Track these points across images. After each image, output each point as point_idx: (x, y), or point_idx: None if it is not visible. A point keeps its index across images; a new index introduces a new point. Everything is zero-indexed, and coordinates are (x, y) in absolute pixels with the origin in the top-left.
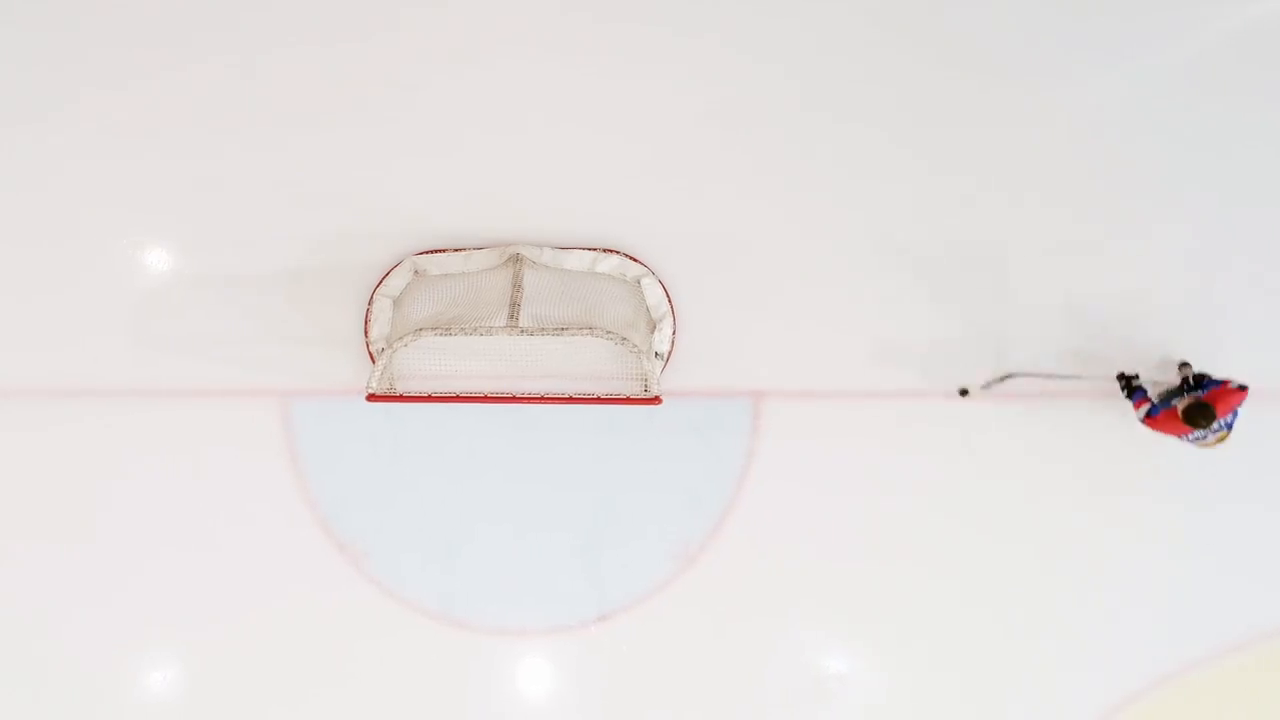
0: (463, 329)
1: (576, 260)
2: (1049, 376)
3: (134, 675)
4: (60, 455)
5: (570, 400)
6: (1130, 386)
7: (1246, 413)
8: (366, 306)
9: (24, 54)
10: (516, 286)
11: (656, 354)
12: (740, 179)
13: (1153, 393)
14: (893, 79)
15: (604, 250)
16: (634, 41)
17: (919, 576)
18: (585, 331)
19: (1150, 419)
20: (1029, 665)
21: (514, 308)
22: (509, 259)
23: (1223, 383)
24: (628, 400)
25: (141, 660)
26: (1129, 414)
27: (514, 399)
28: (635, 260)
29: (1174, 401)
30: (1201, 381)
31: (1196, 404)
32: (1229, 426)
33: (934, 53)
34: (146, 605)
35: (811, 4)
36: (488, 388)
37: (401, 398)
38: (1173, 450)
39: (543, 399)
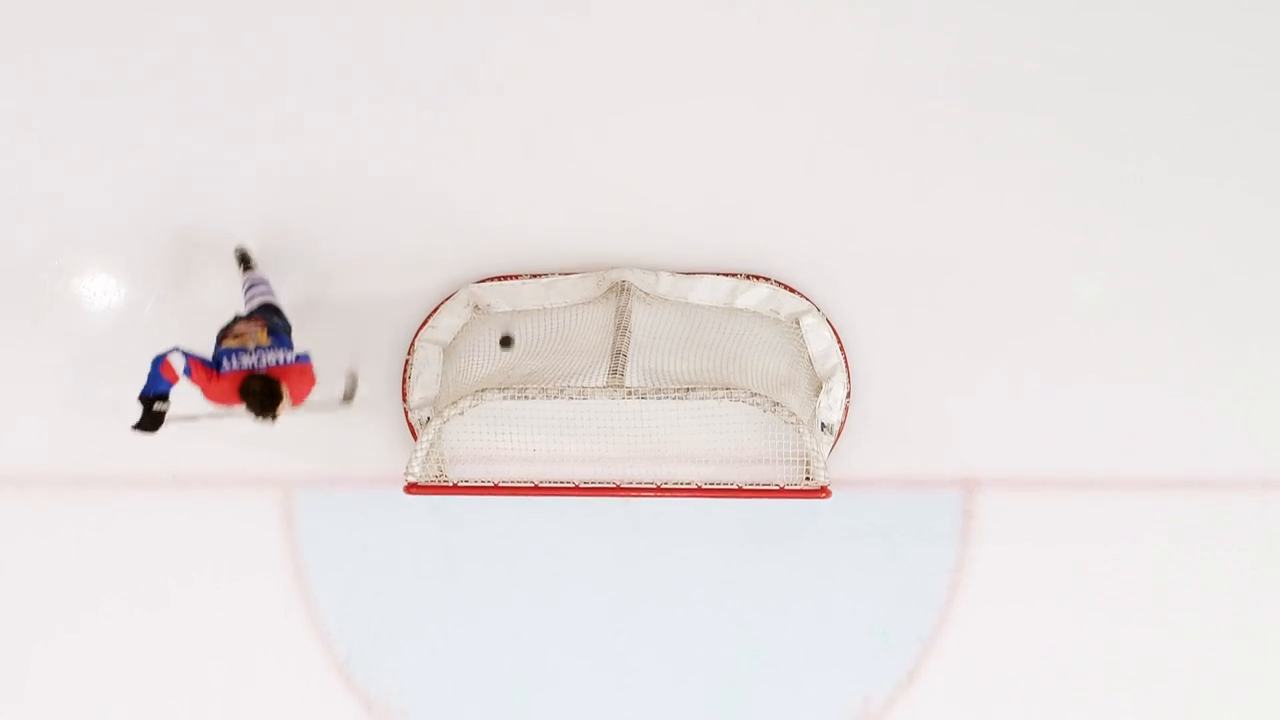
0: (544, 389)
1: (708, 290)
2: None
3: None
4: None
5: (700, 493)
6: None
7: None
8: (405, 357)
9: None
10: (621, 328)
11: (823, 425)
12: (933, 189)
13: None
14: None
15: (747, 276)
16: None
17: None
18: (721, 393)
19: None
20: None
21: (617, 358)
22: (610, 288)
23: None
24: (782, 493)
25: None
26: None
27: (617, 490)
28: (793, 291)
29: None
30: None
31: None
32: None
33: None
34: None
35: None
36: (580, 474)
37: (455, 489)
38: None
39: (659, 491)
